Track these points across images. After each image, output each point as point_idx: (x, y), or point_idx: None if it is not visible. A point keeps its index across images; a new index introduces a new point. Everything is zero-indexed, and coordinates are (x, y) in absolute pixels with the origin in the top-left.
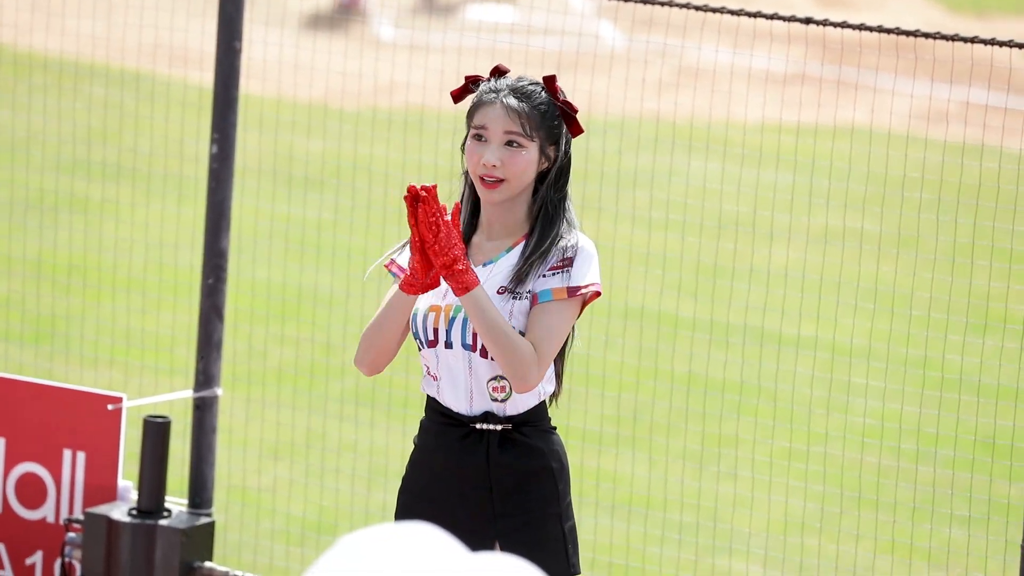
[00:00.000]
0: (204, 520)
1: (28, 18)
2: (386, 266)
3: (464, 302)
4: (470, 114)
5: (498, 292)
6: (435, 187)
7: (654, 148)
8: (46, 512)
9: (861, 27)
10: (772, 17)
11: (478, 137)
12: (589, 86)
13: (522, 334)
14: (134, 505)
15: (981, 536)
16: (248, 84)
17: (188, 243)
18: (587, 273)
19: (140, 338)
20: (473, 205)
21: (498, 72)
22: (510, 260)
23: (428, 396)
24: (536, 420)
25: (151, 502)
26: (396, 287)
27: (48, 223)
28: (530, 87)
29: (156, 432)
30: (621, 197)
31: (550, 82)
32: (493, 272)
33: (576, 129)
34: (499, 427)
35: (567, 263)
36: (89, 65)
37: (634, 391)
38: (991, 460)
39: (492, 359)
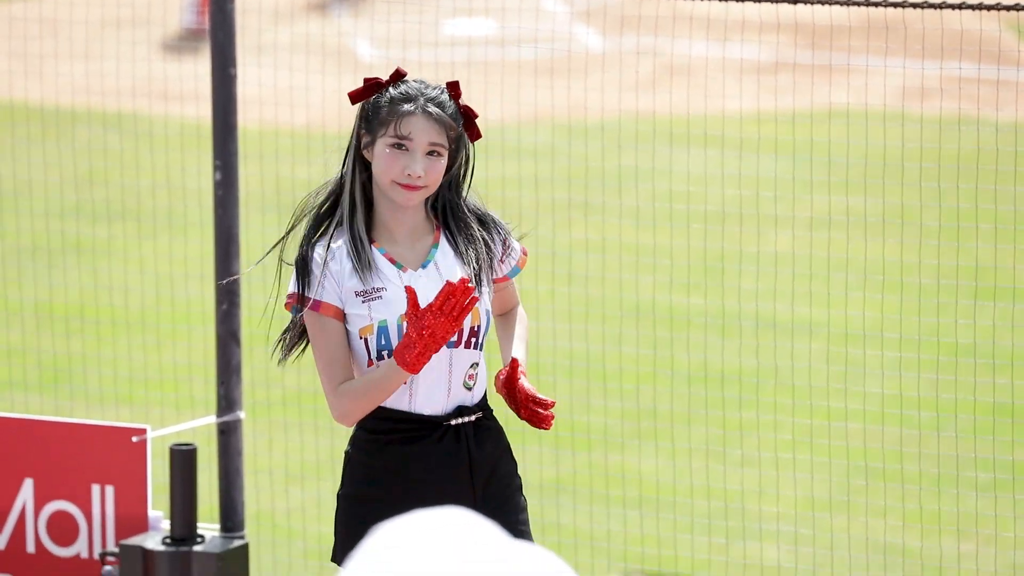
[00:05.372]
0: (238, 543)
1: (7, 65)
2: (308, 309)
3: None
4: (384, 122)
5: None
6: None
7: (653, 141)
8: (79, 548)
9: (848, 2)
10: (760, 0)
11: (398, 146)
12: (583, 87)
13: (487, 312)
14: (167, 534)
15: (1007, 500)
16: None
17: (196, 275)
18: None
19: (158, 372)
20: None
21: (398, 76)
22: (445, 253)
23: (383, 407)
24: (486, 401)
25: (184, 529)
26: (390, 365)
27: (56, 265)
28: (441, 96)
29: (184, 459)
30: (624, 194)
31: (454, 87)
32: (441, 269)
33: (475, 134)
34: (472, 418)
35: (507, 236)
36: (76, 111)
37: (651, 385)
38: (1012, 422)
39: (474, 348)
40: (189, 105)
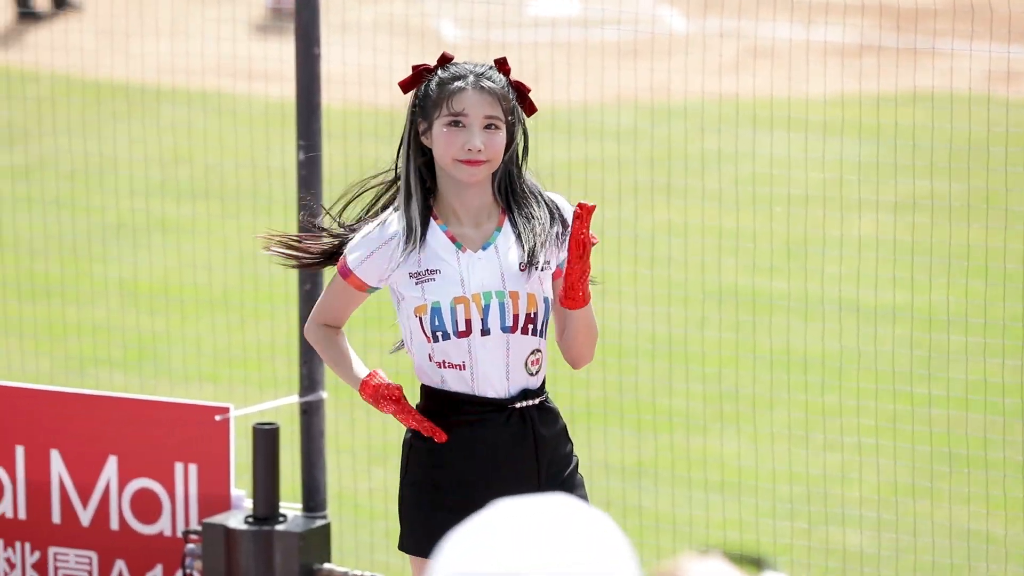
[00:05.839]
0: (320, 523)
1: (94, 43)
2: (341, 269)
3: (583, 312)
4: (437, 103)
5: (520, 269)
6: (594, 207)
7: (736, 123)
8: (162, 526)
9: None
10: None
11: (455, 123)
12: (666, 69)
13: (546, 299)
14: (249, 513)
15: None
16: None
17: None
18: None
19: (241, 351)
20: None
21: (445, 60)
22: (507, 235)
23: (443, 391)
24: (545, 386)
25: (266, 508)
26: (350, 376)
27: (141, 243)
28: (489, 71)
29: (267, 439)
30: (707, 177)
31: (502, 64)
32: (501, 252)
33: (530, 108)
34: (536, 401)
35: (565, 225)
36: (161, 89)
37: (734, 368)
38: None
39: (532, 334)
40: (273, 84)
